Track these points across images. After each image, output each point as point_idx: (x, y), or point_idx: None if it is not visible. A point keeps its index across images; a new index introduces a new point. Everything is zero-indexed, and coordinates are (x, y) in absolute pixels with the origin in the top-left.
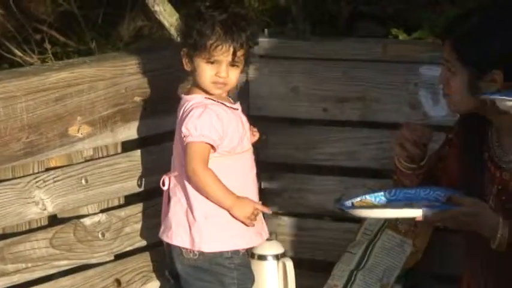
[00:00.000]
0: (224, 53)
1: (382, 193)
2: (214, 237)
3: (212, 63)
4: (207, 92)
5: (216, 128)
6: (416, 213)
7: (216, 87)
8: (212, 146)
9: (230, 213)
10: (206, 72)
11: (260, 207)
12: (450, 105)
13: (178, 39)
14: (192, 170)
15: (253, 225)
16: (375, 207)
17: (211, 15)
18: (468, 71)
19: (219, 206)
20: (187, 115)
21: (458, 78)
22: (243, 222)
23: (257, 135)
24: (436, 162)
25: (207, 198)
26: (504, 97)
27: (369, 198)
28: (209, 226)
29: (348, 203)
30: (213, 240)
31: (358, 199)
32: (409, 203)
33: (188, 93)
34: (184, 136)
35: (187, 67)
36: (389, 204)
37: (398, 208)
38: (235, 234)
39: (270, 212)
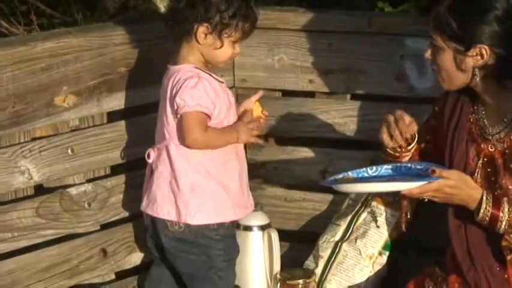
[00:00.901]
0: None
1: (364, 169)
2: (200, 209)
3: (235, 42)
4: (200, 64)
5: (211, 98)
6: (401, 186)
7: (227, 62)
8: (208, 116)
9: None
10: (229, 49)
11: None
12: (441, 83)
13: (197, 12)
14: (193, 139)
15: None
16: (359, 182)
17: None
18: (452, 46)
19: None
20: (180, 86)
21: (445, 53)
22: (253, 142)
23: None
24: (424, 135)
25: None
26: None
27: (351, 174)
28: (195, 198)
29: (332, 179)
30: (199, 213)
31: (341, 176)
32: (392, 178)
33: (176, 63)
34: (179, 107)
35: (208, 41)
36: (372, 179)
37: (382, 182)
38: (221, 207)
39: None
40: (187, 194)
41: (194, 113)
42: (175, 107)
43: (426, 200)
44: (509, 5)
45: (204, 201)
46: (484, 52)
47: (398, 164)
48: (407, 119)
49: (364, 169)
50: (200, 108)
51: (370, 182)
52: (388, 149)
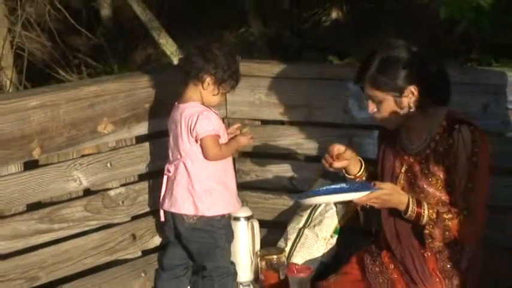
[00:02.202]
0: None
1: (318, 190)
2: (212, 205)
3: (224, 93)
4: (202, 102)
5: (219, 124)
6: (353, 196)
7: (216, 106)
8: (219, 136)
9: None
10: (220, 97)
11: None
12: (385, 124)
13: (209, 66)
14: (214, 155)
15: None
16: (320, 195)
17: (236, 59)
18: (391, 95)
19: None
20: (196, 118)
21: (387, 102)
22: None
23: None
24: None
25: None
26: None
27: (310, 193)
28: (208, 197)
29: (300, 197)
30: (212, 207)
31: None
32: (346, 190)
33: (183, 102)
34: (199, 133)
35: (210, 88)
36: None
37: (339, 194)
38: (226, 202)
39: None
40: (202, 195)
41: (212, 136)
42: (195, 133)
43: (368, 206)
44: (410, 51)
45: (214, 199)
46: (413, 90)
47: (341, 184)
48: (338, 150)
49: (318, 189)
50: (215, 132)
51: (329, 194)
52: (346, 175)
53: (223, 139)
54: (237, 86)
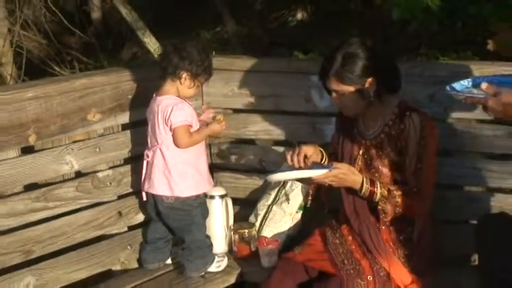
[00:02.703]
0: None
1: (283, 169)
2: (186, 187)
3: (198, 86)
4: (177, 95)
5: (191, 114)
6: (313, 173)
7: (191, 98)
8: (191, 126)
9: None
10: (195, 90)
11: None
12: (345, 113)
13: (184, 62)
14: (185, 143)
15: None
16: (284, 173)
17: (208, 55)
18: (354, 87)
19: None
20: (171, 109)
21: (351, 94)
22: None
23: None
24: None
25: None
26: (451, 91)
27: (277, 171)
28: (182, 181)
29: (267, 175)
30: (185, 189)
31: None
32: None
33: (160, 94)
34: (172, 123)
35: (186, 82)
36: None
37: (299, 171)
38: (198, 184)
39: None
40: (176, 179)
41: (184, 126)
42: (169, 123)
43: (327, 184)
44: (366, 47)
45: (187, 182)
46: (371, 81)
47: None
48: (307, 153)
49: (285, 169)
50: (187, 123)
51: (291, 171)
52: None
53: (196, 127)
54: (212, 79)
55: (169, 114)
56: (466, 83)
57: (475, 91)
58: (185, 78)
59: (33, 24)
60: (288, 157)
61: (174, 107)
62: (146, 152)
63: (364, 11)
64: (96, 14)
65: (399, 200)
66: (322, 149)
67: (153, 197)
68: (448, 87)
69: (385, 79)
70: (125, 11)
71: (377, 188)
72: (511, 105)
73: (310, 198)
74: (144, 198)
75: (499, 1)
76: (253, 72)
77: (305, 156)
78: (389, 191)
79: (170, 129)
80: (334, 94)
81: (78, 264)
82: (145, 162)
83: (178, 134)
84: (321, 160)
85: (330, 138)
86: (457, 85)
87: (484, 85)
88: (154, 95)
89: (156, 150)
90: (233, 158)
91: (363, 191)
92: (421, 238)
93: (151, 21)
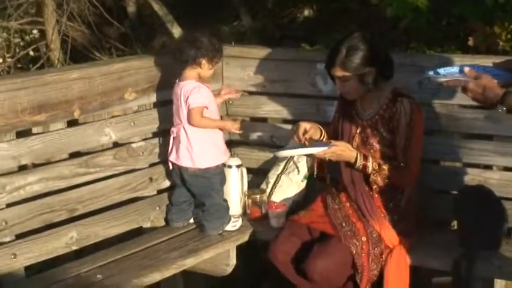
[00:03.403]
0: None
1: (289, 146)
2: (205, 159)
3: (213, 67)
4: (197, 79)
5: (208, 97)
6: (314, 150)
7: (209, 79)
8: (206, 107)
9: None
10: (212, 71)
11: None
12: (347, 97)
13: (201, 51)
14: (196, 123)
15: (240, 130)
16: (289, 149)
17: (216, 39)
18: (356, 75)
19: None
20: (190, 92)
21: (351, 82)
22: (234, 131)
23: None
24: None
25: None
26: (435, 75)
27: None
28: (202, 154)
29: (276, 151)
30: (204, 161)
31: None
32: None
33: (182, 80)
34: (190, 104)
35: (206, 66)
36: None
37: (303, 149)
38: (214, 157)
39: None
40: (197, 153)
41: (198, 107)
42: (188, 104)
43: (327, 159)
44: (366, 40)
45: (206, 155)
46: (370, 69)
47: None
48: (304, 130)
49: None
50: (201, 104)
51: (296, 149)
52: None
53: (212, 109)
54: (231, 65)
55: (188, 97)
56: (450, 68)
57: (457, 75)
58: (204, 63)
59: (77, 16)
60: (295, 136)
61: (194, 90)
62: (172, 129)
63: (361, 9)
64: (131, 8)
65: (388, 173)
66: (321, 127)
67: (178, 166)
68: (431, 72)
69: (381, 68)
70: (156, 6)
71: (369, 162)
72: (490, 88)
73: (315, 170)
74: (170, 167)
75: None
76: (266, 60)
77: (305, 131)
78: (379, 165)
79: (188, 109)
80: (338, 81)
81: (114, 222)
82: (171, 138)
83: (192, 114)
84: (320, 136)
85: (330, 118)
86: (441, 70)
87: (466, 69)
88: (177, 81)
89: (180, 128)
90: (248, 134)
91: (357, 164)
92: (408, 205)
93: (179, 15)
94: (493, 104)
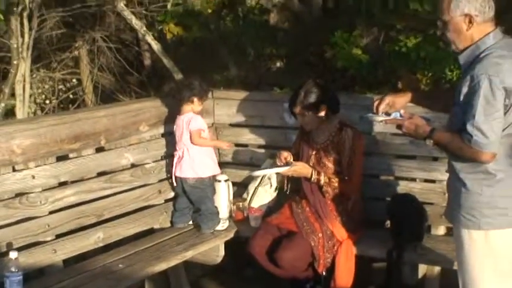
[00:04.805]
0: None
1: (262, 167)
2: (204, 169)
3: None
4: (192, 112)
5: (202, 124)
6: (280, 169)
7: (201, 111)
8: (203, 130)
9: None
10: (202, 106)
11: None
12: (306, 128)
13: (194, 92)
14: (196, 142)
15: (229, 146)
16: (263, 169)
17: (204, 82)
18: (311, 112)
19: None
20: (190, 120)
21: (308, 117)
22: (225, 147)
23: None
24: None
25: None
26: (371, 115)
27: (259, 169)
28: (201, 166)
29: (253, 172)
30: (203, 171)
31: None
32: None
33: (181, 113)
34: (190, 129)
35: (196, 104)
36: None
37: (273, 168)
38: (211, 168)
39: (228, 147)
40: (198, 165)
41: (196, 130)
42: (189, 129)
43: (291, 175)
44: (319, 85)
45: (204, 166)
46: (324, 107)
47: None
48: (285, 158)
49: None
50: (199, 128)
51: (267, 169)
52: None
53: (206, 134)
54: (220, 105)
55: (189, 124)
56: (383, 114)
57: (394, 116)
58: (196, 101)
59: (106, 68)
60: (277, 159)
61: (192, 119)
62: (176, 152)
63: (319, 62)
64: (147, 61)
65: (336, 184)
66: (290, 152)
67: (180, 180)
68: (369, 114)
69: (330, 105)
70: (165, 60)
71: (321, 176)
72: (420, 126)
73: (286, 183)
74: (174, 183)
75: (404, 57)
76: (246, 101)
77: (284, 157)
78: (329, 179)
79: (190, 132)
80: (298, 116)
81: (132, 224)
82: (176, 158)
83: (193, 135)
84: (290, 157)
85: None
86: (378, 116)
87: (403, 111)
88: (178, 116)
89: (184, 149)
90: (233, 157)
91: (313, 179)
92: (353, 208)
93: (182, 67)
94: (422, 138)
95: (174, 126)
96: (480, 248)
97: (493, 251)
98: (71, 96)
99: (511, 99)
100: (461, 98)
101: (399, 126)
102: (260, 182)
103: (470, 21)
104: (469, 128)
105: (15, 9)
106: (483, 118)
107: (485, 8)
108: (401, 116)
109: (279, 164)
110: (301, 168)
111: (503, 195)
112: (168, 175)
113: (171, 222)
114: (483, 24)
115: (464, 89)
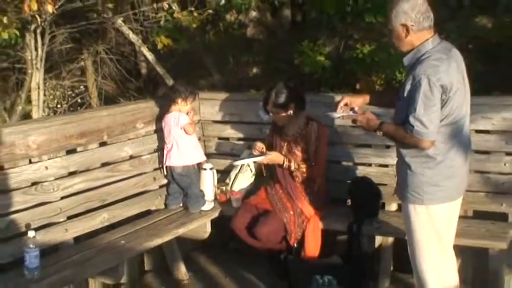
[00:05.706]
0: None
1: (241, 157)
2: (190, 158)
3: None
4: (178, 111)
5: (188, 119)
6: (257, 159)
7: (187, 111)
8: (190, 124)
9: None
10: (188, 106)
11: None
12: (278, 123)
13: (179, 94)
14: (191, 131)
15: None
16: (242, 159)
17: (188, 85)
18: (282, 110)
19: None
20: (178, 118)
21: (281, 113)
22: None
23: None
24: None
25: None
26: (330, 113)
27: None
28: (188, 155)
29: (234, 161)
30: (188, 160)
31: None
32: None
33: (170, 112)
34: (181, 124)
35: (182, 104)
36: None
37: (251, 158)
38: (197, 156)
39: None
40: (185, 154)
41: (188, 123)
42: (180, 125)
43: (266, 162)
44: (289, 86)
45: (190, 156)
46: (293, 105)
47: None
48: (260, 147)
49: (244, 156)
50: (188, 121)
51: (246, 159)
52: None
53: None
54: (205, 104)
55: (179, 120)
56: (341, 111)
57: (350, 113)
58: (181, 102)
59: (108, 76)
60: (253, 150)
61: (179, 116)
62: (165, 145)
63: (289, 68)
64: (143, 70)
65: (304, 170)
66: (263, 143)
67: (170, 169)
68: (329, 113)
69: (298, 104)
70: (159, 68)
71: (292, 163)
72: (371, 120)
73: (264, 170)
74: (164, 172)
75: (361, 62)
76: (228, 101)
77: (261, 147)
78: (299, 165)
79: (180, 128)
80: (271, 114)
81: (131, 206)
82: (165, 151)
83: (186, 128)
84: (264, 148)
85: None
86: (336, 113)
87: (357, 108)
88: (167, 114)
89: (173, 142)
90: (216, 148)
91: (284, 165)
92: (319, 190)
93: (174, 74)
94: (373, 130)
95: (163, 123)
96: (424, 220)
97: (434, 222)
98: (79, 100)
99: (447, 95)
100: (405, 94)
101: (354, 121)
102: (240, 169)
103: (407, 30)
104: (411, 119)
105: (29, 27)
106: (423, 111)
107: (419, 19)
108: (355, 112)
109: (255, 153)
110: (275, 157)
111: (442, 175)
112: (161, 165)
113: (165, 204)
114: (419, 32)
115: (408, 87)
